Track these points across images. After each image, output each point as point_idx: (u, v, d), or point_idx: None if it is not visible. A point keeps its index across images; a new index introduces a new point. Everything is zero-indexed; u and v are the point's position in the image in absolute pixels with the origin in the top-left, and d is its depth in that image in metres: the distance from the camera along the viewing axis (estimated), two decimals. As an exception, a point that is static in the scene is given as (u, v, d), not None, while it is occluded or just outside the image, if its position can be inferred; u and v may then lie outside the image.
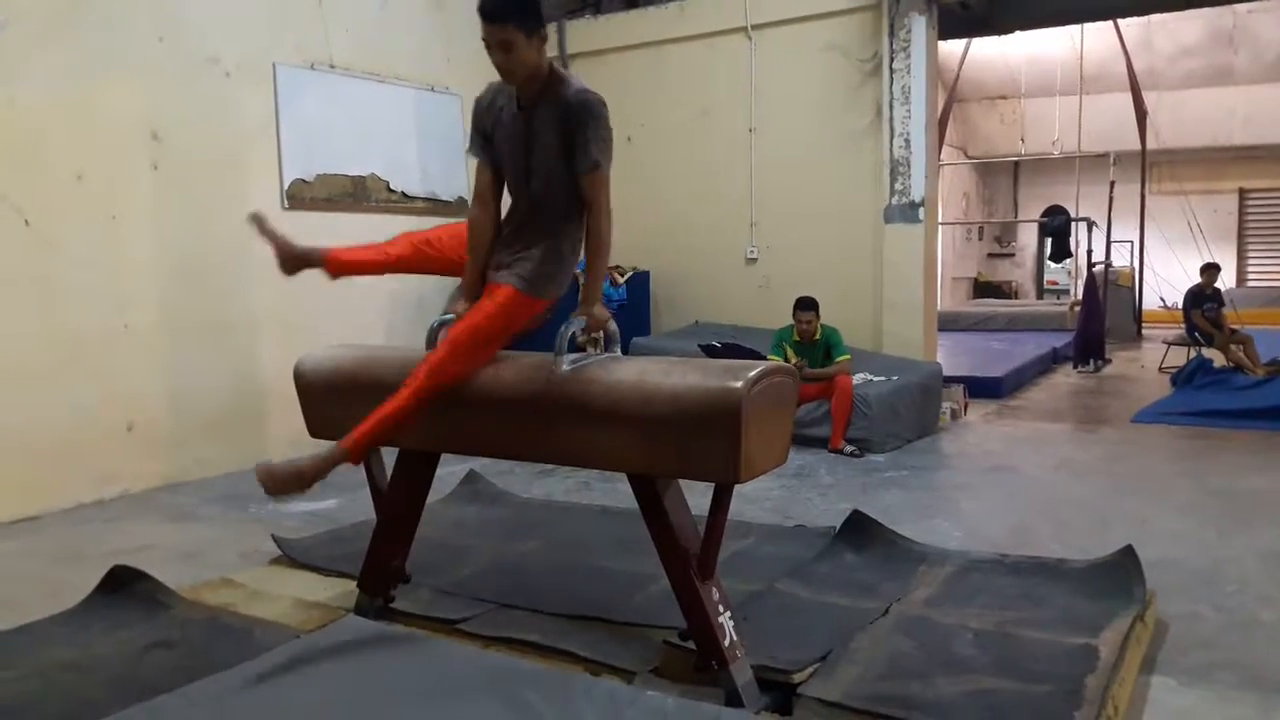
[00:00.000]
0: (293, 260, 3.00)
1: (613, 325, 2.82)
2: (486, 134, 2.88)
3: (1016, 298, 17.61)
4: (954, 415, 6.92)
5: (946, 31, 7.19)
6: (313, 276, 6.36)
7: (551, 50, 7.88)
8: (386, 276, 7.09)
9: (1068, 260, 15.58)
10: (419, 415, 2.72)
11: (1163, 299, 12.12)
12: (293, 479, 2.60)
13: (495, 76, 2.79)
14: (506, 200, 2.95)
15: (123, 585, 3.28)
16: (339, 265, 3.03)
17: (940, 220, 10.58)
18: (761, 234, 7.50)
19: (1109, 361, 10.23)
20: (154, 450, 5.27)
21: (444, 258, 3.03)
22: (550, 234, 2.80)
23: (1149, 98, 13.60)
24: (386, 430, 2.72)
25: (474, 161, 2.96)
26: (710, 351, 6.09)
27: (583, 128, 2.67)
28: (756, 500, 4.63)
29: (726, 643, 2.48)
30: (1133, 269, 13.62)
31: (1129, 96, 13.13)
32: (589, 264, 2.81)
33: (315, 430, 3.21)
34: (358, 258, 3.07)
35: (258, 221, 2.96)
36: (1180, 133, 14.96)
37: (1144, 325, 13.41)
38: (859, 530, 3.74)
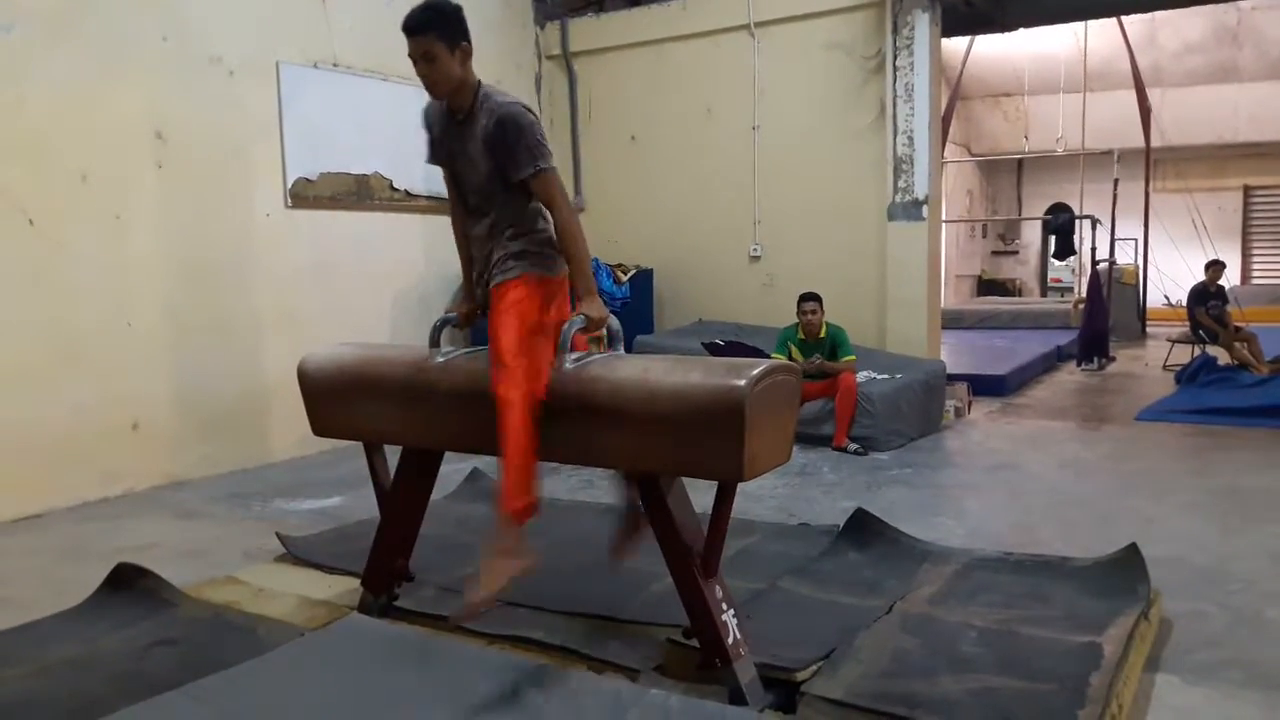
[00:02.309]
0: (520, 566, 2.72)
1: (615, 323, 2.82)
2: (433, 142, 3.00)
3: (1020, 295, 17.59)
4: (958, 413, 6.91)
5: (950, 29, 7.17)
6: (315, 275, 6.34)
7: (554, 49, 7.95)
8: (392, 271, 7.10)
9: (1071, 258, 15.56)
10: (534, 431, 2.62)
11: (1167, 296, 12.10)
12: (495, 582, 2.60)
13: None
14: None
15: (127, 583, 3.29)
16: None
17: (944, 218, 10.55)
18: (765, 232, 7.49)
19: (1113, 359, 10.20)
20: (158, 448, 5.28)
21: None
22: (514, 234, 2.84)
23: (1153, 95, 13.57)
24: (525, 466, 2.64)
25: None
26: (713, 349, 6.09)
27: (509, 139, 2.73)
28: (760, 498, 4.62)
29: (730, 641, 2.48)
30: (1137, 266, 13.59)
31: (1133, 93, 13.10)
32: (569, 263, 2.82)
33: (318, 429, 3.21)
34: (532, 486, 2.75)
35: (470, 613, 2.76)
36: (1184, 130, 14.92)
37: (1148, 323, 13.38)
38: (862, 528, 3.73)
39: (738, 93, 7.45)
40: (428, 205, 6.82)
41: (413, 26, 2.74)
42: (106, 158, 5.03)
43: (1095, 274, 10.50)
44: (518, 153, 2.72)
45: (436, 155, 3.01)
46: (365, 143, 6.40)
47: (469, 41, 2.79)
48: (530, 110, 2.83)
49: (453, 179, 2.97)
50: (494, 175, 2.79)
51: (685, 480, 2.64)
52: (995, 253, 18.99)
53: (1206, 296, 9.38)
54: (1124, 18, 12.16)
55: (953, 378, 7.08)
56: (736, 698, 2.44)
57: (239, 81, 5.65)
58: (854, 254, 7.05)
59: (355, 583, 3.24)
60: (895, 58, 6.75)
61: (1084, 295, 10.86)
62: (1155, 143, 13.50)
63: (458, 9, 2.78)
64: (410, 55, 2.78)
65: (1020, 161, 17.75)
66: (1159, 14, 12.86)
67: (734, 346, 6.16)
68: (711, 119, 7.62)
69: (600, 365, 2.62)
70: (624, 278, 7.48)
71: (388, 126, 6.55)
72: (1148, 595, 3.02)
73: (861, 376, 6.14)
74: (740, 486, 2.51)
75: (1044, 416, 7.16)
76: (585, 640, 2.82)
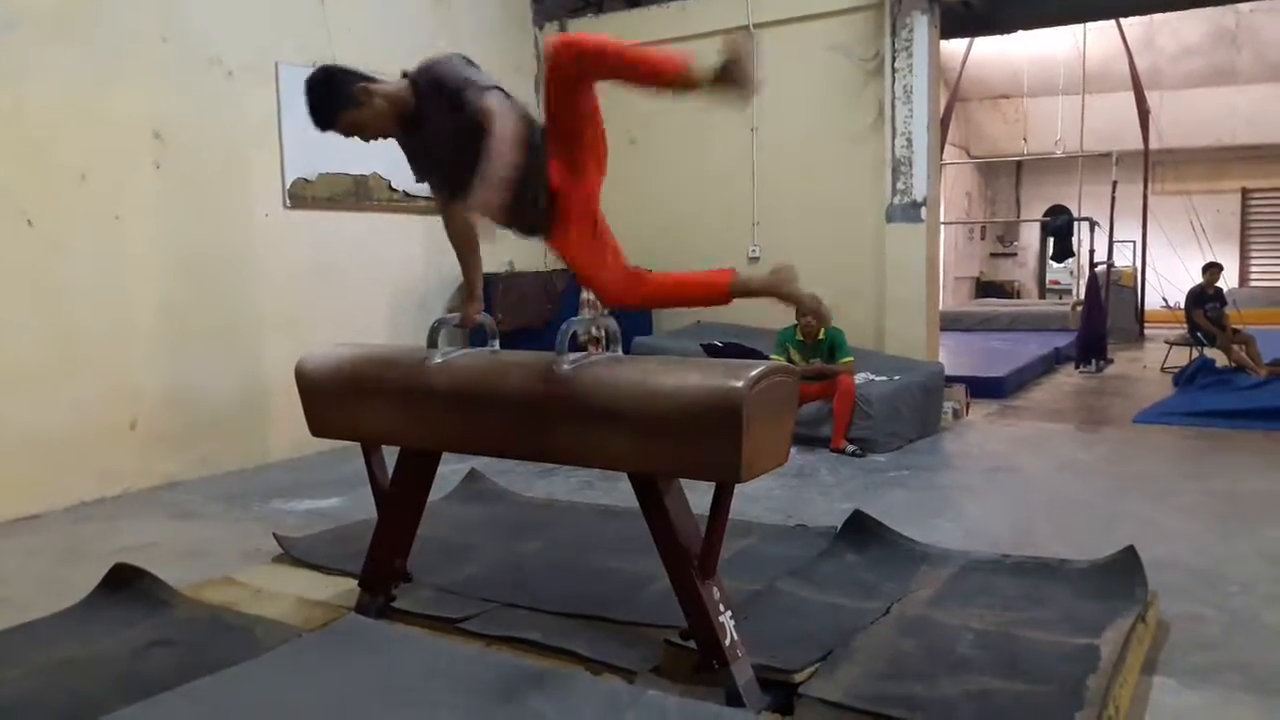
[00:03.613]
0: None
1: (614, 324, 2.82)
2: (412, 159, 2.97)
3: (1019, 297, 17.60)
4: (956, 415, 6.91)
5: (949, 30, 7.18)
6: (313, 276, 6.34)
7: (554, 50, 7.94)
8: (390, 272, 7.10)
9: (1070, 260, 15.58)
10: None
11: (1165, 299, 12.11)
12: None
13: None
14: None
15: (124, 583, 3.29)
16: None
17: (942, 220, 10.57)
18: (763, 234, 7.49)
19: (1111, 362, 10.21)
20: (157, 448, 5.27)
21: None
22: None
23: (1152, 97, 13.57)
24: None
25: None
26: (711, 351, 6.09)
27: (459, 86, 2.65)
28: (758, 500, 4.62)
29: (727, 642, 2.48)
30: (1135, 269, 13.61)
31: (1132, 96, 13.11)
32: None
33: (316, 429, 3.20)
34: None
35: None
36: (1183, 132, 14.93)
37: (1146, 325, 13.39)
38: (860, 530, 3.73)
39: (737, 94, 7.45)
40: (426, 205, 6.81)
41: (323, 122, 2.69)
42: (105, 158, 5.03)
43: (1094, 276, 10.50)
44: (470, 89, 2.63)
45: (422, 170, 2.96)
46: (364, 143, 6.38)
47: (365, 79, 2.71)
48: (447, 56, 2.76)
49: (449, 178, 2.84)
50: (476, 131, 2.60)
51: (683, 481, 2.64)
52: (994, 254, 19.01)
53: (1204, 299, 9.39)
54: (1123, 20, 12.17)
55: (951, 379, 7.08)
56: (734, 699, 2.43)
57: (238, 82, 5.65)
58: (852, 256, 7.05)
59: (353, 584, 3.24)
60: (894, 59, 6.76)
61: (1082, 297, 10.88)
62: (1154, 145, 13.51)
63: (337, 71, 2.72)
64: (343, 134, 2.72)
65: (1019, 163, 17.77)
66: (1157, 16, 12.88)
67: (732, 348, 6.15)
68: (710, 121, 7.60)
69: (599, 366, 2.62)
70: (623, 279, 7.48)
71: (387, 127, 6.55)
72: (1145, 598, 3.02)
73: (860, 378, 6.15)
74: (738, 488, 2.51)
75: (1042, 418, 7.17)
76: (583, 641, 2.81)
